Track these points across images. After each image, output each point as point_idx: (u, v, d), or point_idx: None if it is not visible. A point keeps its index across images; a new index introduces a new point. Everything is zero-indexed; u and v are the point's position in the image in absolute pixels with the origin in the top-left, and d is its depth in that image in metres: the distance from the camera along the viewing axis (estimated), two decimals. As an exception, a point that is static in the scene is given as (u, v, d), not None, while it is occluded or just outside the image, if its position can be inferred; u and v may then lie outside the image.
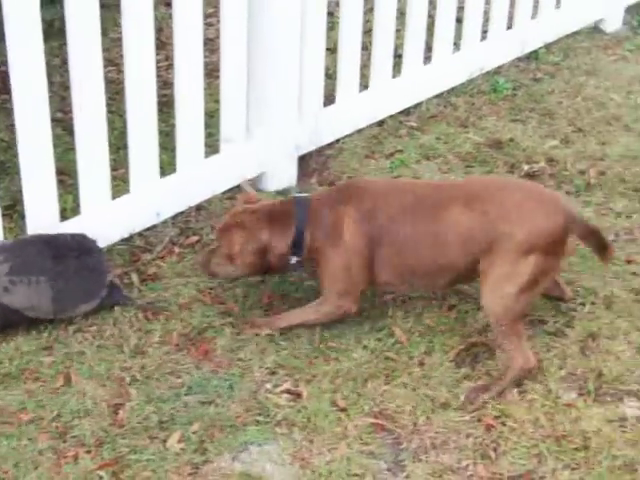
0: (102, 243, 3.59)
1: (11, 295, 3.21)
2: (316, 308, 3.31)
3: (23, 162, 3.36)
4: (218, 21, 5.39)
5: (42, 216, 3.44)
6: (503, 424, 3.00)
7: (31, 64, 3.22)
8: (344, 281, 3.23)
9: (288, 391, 3.10)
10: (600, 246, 3.25)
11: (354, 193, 3.26)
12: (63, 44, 4.96)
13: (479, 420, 3.01)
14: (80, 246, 3.35)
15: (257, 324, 3.34)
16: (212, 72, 4.43)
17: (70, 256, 3.30)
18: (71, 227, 3.52)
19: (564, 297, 3.47)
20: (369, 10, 4.62)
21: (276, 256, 3.26)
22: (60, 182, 3.56)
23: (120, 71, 5.00)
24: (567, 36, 5.51)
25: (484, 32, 5.03)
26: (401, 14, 4.64)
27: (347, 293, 3.25)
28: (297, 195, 3.37)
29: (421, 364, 3.21)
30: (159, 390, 3.07)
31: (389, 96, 4.59)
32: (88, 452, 2.86)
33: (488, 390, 3.09)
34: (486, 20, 5.01)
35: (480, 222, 3.10)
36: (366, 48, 4.59)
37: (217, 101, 4.32)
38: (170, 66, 5.06)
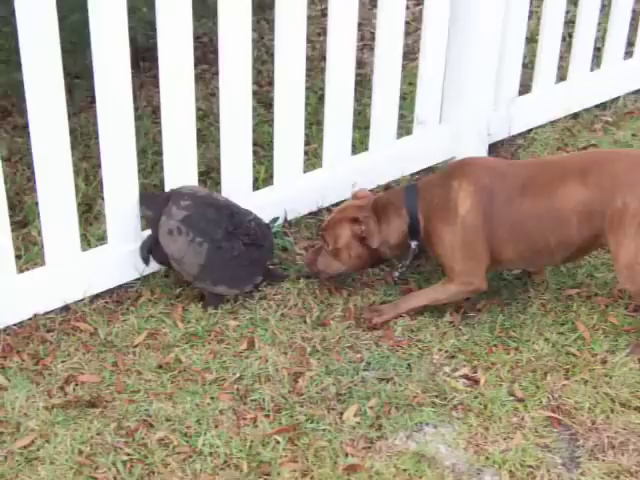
0: (291, 215, 3.68)
1: (170, 240, 3.23)
2: (443, 288, 3.26)
3: (223, 131, 3.45)
4: (414, 4, 5.45)
5: (236, 184, 3.54)
6: (687, 431, 2.92)
7: (238, 37, 3.31)
8: (467, 257, 3.18)
9: (466, 376, 3.09)
10: None
11: (468, 169, 3.22)
12: (260, 19, 5.13)
13: (661, 424, 2.94)
14: (255, 236, 3.32)
15: (382, 310, 3.32)
16: (406, 55, 4.44)
17: (241, 240, 3.29)
18: (263, 197, 3.61)
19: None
20: (570, 1, 4.54)
21: (392, 246, 3.27)
22: (254, 153, 3.64)
23: (315, 48, 5.09)
24: None
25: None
26: (604, 6, 4.55)
27: (472, 269, 3.20)
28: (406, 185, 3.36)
29: (603, 362, 3.15)
30: (338, 363, 3.12)
31: (586, 89, 4.51)
32: (267, 416, 2.93)
33: None
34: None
35: (595, 195, 3.06)
36: (564, 39, 4.52)
37: (411, 83, 4.36)
38: (365, 46, 5.12)
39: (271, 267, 3.46)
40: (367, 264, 3.36)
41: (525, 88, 4.36)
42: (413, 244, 3.26)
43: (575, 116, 4.53)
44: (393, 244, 3.28)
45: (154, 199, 3.34)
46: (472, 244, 3.17)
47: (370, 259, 3.33)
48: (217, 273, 3.28)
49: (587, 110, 4.56)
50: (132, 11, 3.05)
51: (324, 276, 3.39)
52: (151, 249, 3.32)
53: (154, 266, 3.40)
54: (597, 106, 4.60)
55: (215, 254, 3.25)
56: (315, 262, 3.36)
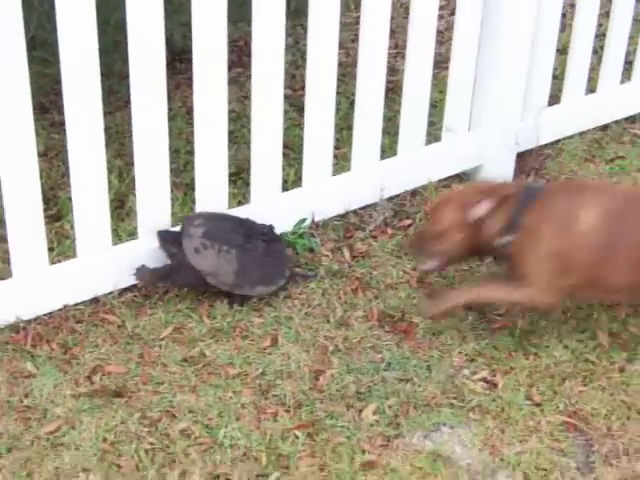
0: (318, 217, 3.74)
1: (200, 257, 3.31)
2: (513, 292, 3.18)
3: (254, 133, 3.52)
4: (449, 14, 5.49)
5: (266, 185, 3.60)
6: (702, 439, 2.94)
7: (271, 41, 3.37)
8: (558, 274, 3.09)
9: (485, 380, 3.13)
10: None
11: (594, 192, 3.17)
12: (296, 25, 5.19)
13: (676, 433, 2.97)
14: (269, 233, 3.45)
15: (444, 294, 3.33)
16: (439, 63, 4.49)
17: (260, 239, 3.40)
18: (291, 198, 3.68)
19: None
20: (602, 14, 4.57)
21: (487, 234, 3.15)
22: (284, 155, 3.71)
23: (348, 54, 5.15)
24: None
25: None
26: (636, 20, 4.58)
27: (555, 288, 3.13)
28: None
29: (621, 370, 3.18)
30: (359, 362, 3.17)
31: (616, 101, 4.54)
32: (287, 411, 2.98)
33: None
34: None
35: None
36: (596, 52, 4.55)
37: (441, 91, 4.39)
38: (398, 54, 5.17)
39: (297, 269, 3.53)
40: (467, 252, 3.25)
41: (554, 99, 4.40)
42: (504, 239, 3.12)
43: (604, 128, 4.56)
44: (490, 234, 3.14)
45: (169, 233, 3.41)
46: (577, 261, 3.08)
47: (470, 247, 3.20)
48: (252, 275, 3.36)
49: (616, 122, 4.59)
50: (170, 12, 3.11)
51: (422, 257, 3.34)
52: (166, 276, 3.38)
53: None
54: (626, 119, 4.62)
55: (244, 258, 3.34)
56: (414, 243, 3.35)
